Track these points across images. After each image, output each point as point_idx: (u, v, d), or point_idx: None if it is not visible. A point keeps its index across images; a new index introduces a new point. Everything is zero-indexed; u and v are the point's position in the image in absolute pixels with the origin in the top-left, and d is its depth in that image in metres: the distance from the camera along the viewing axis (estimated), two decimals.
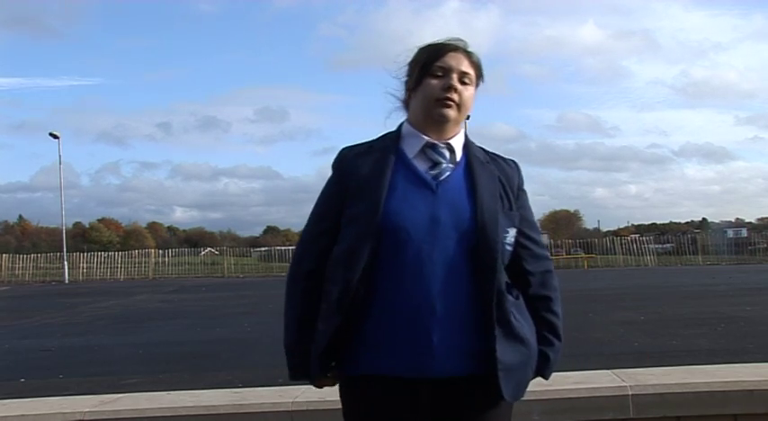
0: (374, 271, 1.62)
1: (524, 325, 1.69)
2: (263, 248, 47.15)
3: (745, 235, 45.14)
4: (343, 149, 1.78)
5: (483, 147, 1.81)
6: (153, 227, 77.94)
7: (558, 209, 75.38)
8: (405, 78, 1.78)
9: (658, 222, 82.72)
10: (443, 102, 1.69)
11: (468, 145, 1.76)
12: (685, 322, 9.50)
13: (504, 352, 1.62)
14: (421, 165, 1.70)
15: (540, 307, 1.76)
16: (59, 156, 35.68)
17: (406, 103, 1.79)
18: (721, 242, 40.58)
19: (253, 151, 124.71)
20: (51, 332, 11.26)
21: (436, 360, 1.60)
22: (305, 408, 2.71)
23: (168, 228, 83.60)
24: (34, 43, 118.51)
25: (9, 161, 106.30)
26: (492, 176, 1.72)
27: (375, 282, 1.63)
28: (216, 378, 6.18)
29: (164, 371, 6.91)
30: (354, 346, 1.66)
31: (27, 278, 35.50)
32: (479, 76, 1.77)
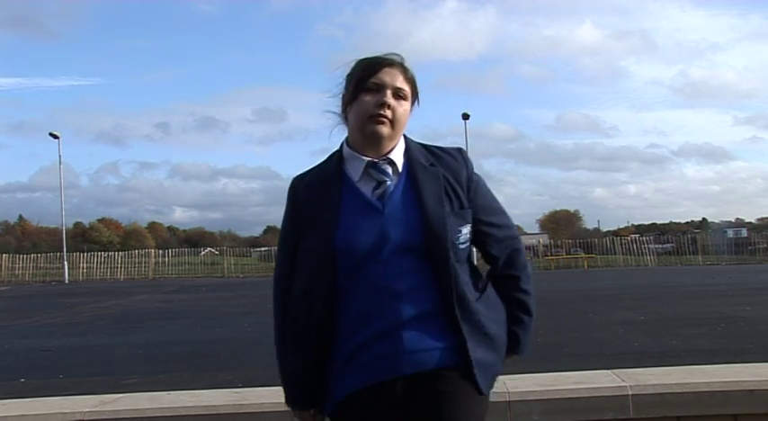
0: (335, 302, 1.66)
1: (493, 319, 1.71)
2: (262, 248, 46.99)
3: (745, 235, 45.16)
4: (294, 179, 1.81)
5: (426, 144, 1.80)
6: (153, 227, 77.97)
7: (557, 209, 75.65)
8: (342, 92, 1.77)
9: (658, 222, 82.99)
10: (376, 118, 1.68)
11: (408, 150, 1.76)
12: (685, 322, 9.50)
13: (476, 349, 1.65)
14: (366, 187, 1.70)
15: (509, 286, 1.79)
16: (59, 156, 35.72)
17: (345, 117, 1.78)
18: (721, 242, 40.59)
19: (252, 151, 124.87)
20: (51, 332, 11.27)
21: (406, 359, 1.62)
22: None
23: (168, 228, 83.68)
24: (34, 43, 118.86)
25: (9, 161, 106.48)
26: (436, 178, 1.71)
27: (338, 313, 1.66)
28: (216, 378, 6.19)
29: (164, 371, 6.91)
30: (327, 384, 1.69)
31: (27, 278, 35.50)
32: (415, 92, 1.76)
